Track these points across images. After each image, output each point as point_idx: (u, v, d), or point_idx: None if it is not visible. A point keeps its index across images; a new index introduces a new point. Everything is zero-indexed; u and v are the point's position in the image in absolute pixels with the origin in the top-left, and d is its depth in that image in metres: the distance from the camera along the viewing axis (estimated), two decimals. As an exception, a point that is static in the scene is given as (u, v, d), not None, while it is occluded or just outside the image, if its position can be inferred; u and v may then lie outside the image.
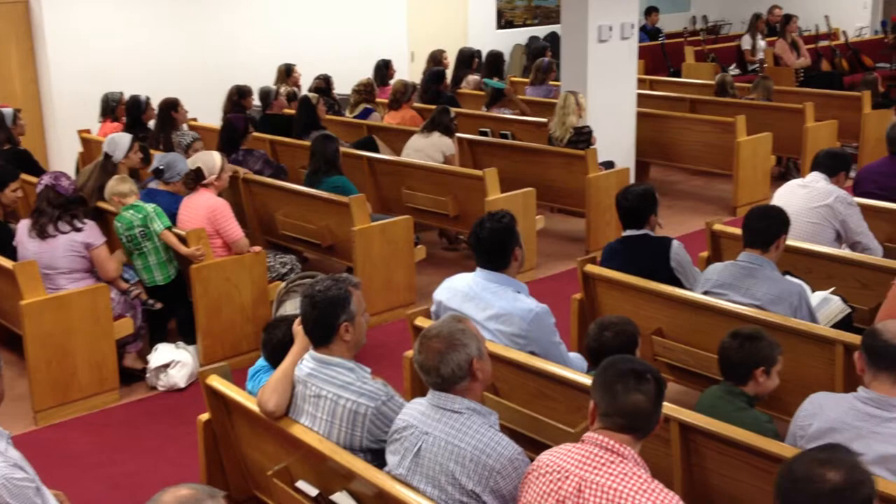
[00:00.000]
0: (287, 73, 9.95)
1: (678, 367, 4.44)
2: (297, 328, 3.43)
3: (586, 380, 3.43)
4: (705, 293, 4.36)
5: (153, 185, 6.11)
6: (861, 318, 4.44)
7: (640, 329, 3.85)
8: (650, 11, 14.12)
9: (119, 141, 6.35)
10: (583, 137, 7.52)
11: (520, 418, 3.70)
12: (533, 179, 7.27)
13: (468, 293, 3.89)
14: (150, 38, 10.34)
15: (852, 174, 6.06)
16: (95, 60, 9.84)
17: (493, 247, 3.87)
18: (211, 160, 5.82)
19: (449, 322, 3.05)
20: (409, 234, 6.35)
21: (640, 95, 8.65)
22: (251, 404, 3.48)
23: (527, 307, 3.79)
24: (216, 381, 3.68)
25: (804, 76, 11.45)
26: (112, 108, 8.41)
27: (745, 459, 3.08)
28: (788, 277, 4.35)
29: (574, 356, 4.03)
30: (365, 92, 9.14)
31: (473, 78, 10.62)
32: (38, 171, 7.06)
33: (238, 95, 8.40)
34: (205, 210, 5.67)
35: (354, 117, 8.99)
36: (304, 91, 9.41)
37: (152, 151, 6.99)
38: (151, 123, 8.10)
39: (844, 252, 4.96)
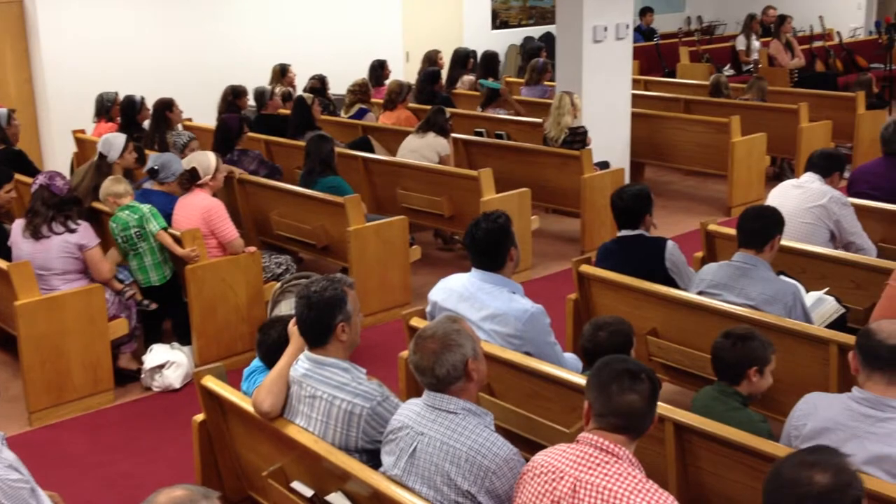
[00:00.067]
0: (282, 73, 9.95)
1: (673, 368, 4.45)
2: (293, 329, 3.43)
3: (581, 380, 3.44)
4: (700, 293, 4.37)
5: (148, 185, 6.10)
6: (855, 318, 4.45)
7: (635, 329, 3.86)
8: (645, 12, 14.15)
9: (114, 141, 6.34)
10: (578, 138, 7.53)
11: (515, 418, 3.70)
12: (528, 180, 7.28)
13: (463, 293, 3.89)
14: (145, 39, 10.33)
15: (846, 175, 6.08)
16: (90, 61, 9.83)
17: (489, 247, 3.87)
18: (206, 160, 5.81)
19: (444, 322, 3.05)
20: (405, 234, 6.35)
21: (634, 96, 8.67)
22: (246, 405, 3.48)
23: (522, 307, 3.79)
24: (211, 382, 3.68)
25: (798, 77, 11.47)
26: (107, 108, 8.41)
27: (739, 459, 3.09)
28: (783, 278, 4.36)
29: (569, 356, 4.04)
30: (360, 92, 9.14)
31: (468, 78, 10.62)
32: (32, 171, 7.05)
33: (233, 95, 8.40)
34: (200, 210, 5.66)
35: (349, 117, 8.99)
36: (299, 91, 9.42)
37: (147, 152, 6.98)
38: (146, 124, 8.09)
39: (839, 252, 4.97)
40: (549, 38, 13.26)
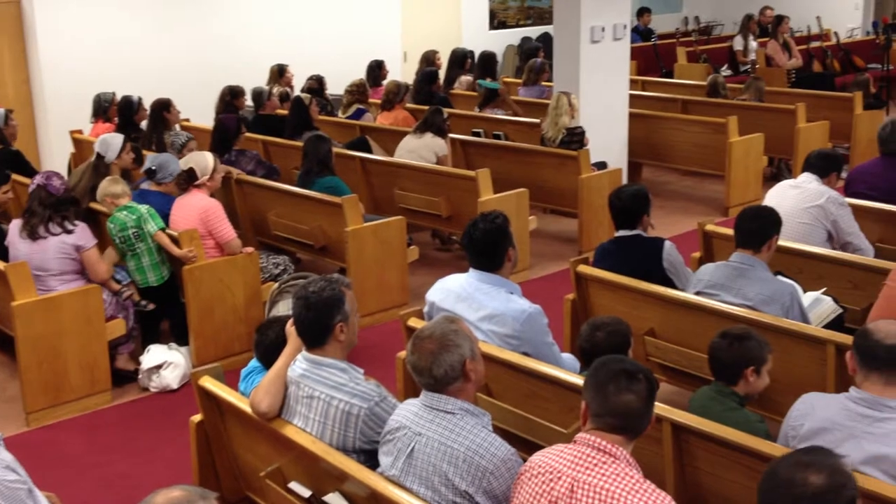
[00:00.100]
0: (279, 73, 9.94)
1: (670, 368, 4.45)
2: (290, 329, 3.42)
3: (579, 380, 3.44)
4: (697, 294, 4.37)
5: (145, 185, 6.10)
6: (852, 318, 4.45)
7: (633, 329, 3.86)
8: (642, 12, 14.16)
9: (111, 141, 6.33)
10: (575, 138, 7.53)
11: (512, 419, 3.70)
12: (526, 180, 7.27)
13: (461, 294, 3.89)
14: (143, 39, 10.32)
15: (844, 175, 6.08)
16: (87, 61, 9.82)
17: (486, 247, 3.87)
18: (203, 161, 5.81)
19: (442, 323, 3.05)
20: (402, 234, 6.35)
21: (632, 96, 8.67)
22: (244, 405, 3.48)
23: (520, 308, 3.79)
24: (209, 383, 3.68)
25: (796, 77, 11.48)
26: (104, 108, 8.40)
27: (736, 459, 3.09)
28: (780, 278, 4.36)
29: (567, 357, 4.04)
30: (357, 92, 9.14)
31: (466, 79, 10.63)
32: (30, 171, 7.05)
33: (230, 96, 8.39)
34: (197, 211, 5.66)
35: (347, 118, 8.99)
36: (297, 91, 9.42)
37: (144, 152, 6.97)
38: (143, 124, 8.09)
39: (836, 252, 4.97)
40: (546, 39, 13.27)
